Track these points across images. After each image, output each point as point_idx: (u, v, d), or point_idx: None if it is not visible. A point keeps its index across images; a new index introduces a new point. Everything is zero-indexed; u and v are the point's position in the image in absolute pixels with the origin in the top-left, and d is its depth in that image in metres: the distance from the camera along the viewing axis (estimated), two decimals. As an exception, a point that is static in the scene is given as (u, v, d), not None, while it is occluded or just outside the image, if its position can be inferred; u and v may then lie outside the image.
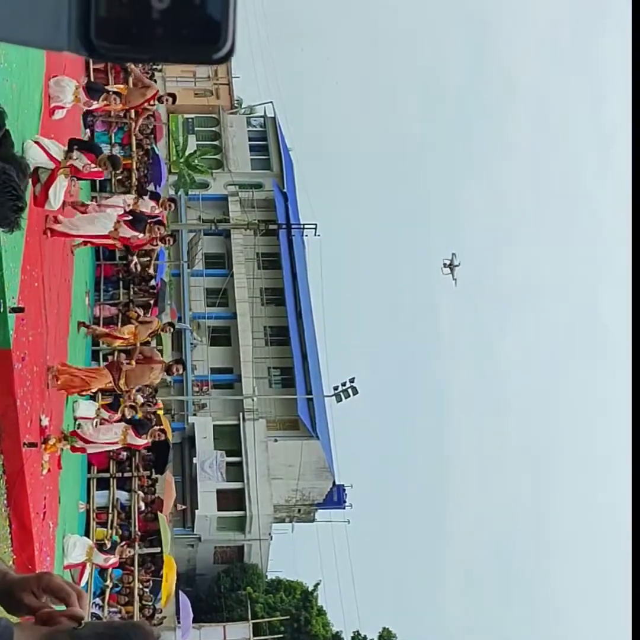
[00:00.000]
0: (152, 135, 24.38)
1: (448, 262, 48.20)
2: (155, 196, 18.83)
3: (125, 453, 20.60)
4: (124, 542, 19.60)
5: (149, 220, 16.43)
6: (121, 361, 13.90)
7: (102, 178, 17.27)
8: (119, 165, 15.11)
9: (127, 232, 15.54)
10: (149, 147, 23.88)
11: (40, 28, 1.00)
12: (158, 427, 17.63)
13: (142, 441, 16.48)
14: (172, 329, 14.91)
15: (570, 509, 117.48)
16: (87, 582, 18.03)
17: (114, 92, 17.92)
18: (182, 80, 52.21)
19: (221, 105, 54.76)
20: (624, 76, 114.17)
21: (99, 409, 16.54)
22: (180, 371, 15.56)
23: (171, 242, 20.50)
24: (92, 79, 19.81)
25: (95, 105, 17.14)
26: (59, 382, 13.20)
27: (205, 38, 1.00)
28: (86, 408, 16.36)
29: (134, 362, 14.56)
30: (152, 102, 20.37)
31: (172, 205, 20.32)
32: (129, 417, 16.66)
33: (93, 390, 15.22)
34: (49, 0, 0.99)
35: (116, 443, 16.33)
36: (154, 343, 19.75)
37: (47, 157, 12.71)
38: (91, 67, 21.52)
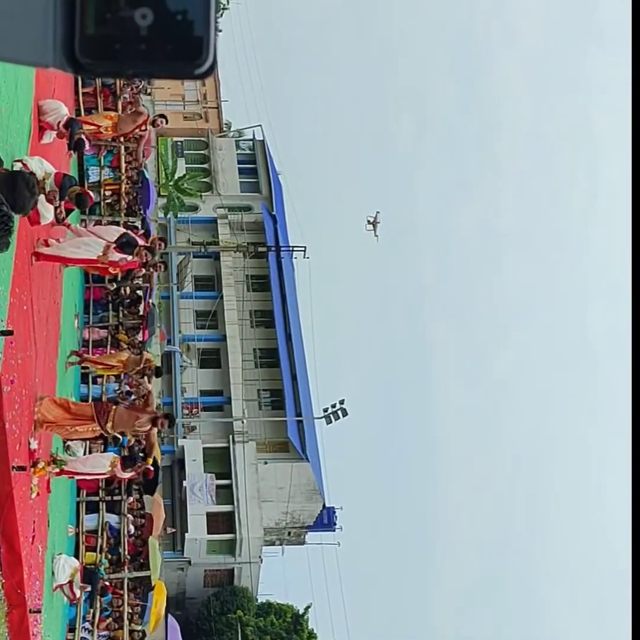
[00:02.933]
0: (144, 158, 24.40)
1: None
2: (145, 234, 18.82)
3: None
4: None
5: (138, 245, 16.47)
6: (109, 406, 13.72)
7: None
8: (84, 205, 14.77)
9: (115, 256, 15.54)
10: (137, 170, 23.91)
11: (27, 45, 1.01)
12: (143, 464, 17.46)
13: (127, 474, 16.51)
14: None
15: (565, 526, 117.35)
16: (76, 603, 17.95)
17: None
18: (171, 104, 52.40)
19: (210, 128, 54.93)
20: (613, 97, 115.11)
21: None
22: (165, 426, 15.35)
23: (162, 269, 20.48)
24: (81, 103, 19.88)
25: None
26: (44, 428, 13.05)
27: (187, 53, 1.03)
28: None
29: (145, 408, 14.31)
30: (143, 128, 20.41)
31: (162, 245, 20.24)
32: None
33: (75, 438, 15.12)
34: (35, 18, 1.00)
35: (104, 474, 16.35)
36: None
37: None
38: (80, 91, 21.59)
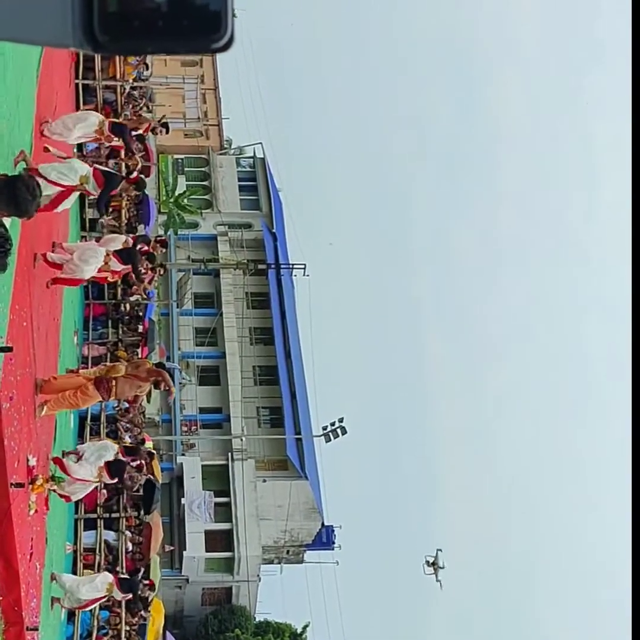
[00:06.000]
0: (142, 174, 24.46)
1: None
2: (144, 239, 18.90)
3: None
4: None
5: (139, 251, 16.61)
6: (110, 380, 13.73)
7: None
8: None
9: (117, 265, 15.62)
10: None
11: (45, 26, 1.03)
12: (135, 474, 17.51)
13: (111, 481, 16.62)
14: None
15: (562, 548, 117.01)
16: (73, 622, 17.92)
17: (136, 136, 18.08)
18: (172, 121, 52.43)
19: (211, 146, 55.08)
20: (613, 115, 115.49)
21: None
22: (164, 386, 15.41)
23: (162, 272, 20.55)
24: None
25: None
26: (47, 406, 13.12)
27: (205, 28, 1.05)
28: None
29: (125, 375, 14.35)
30: (145, 134, 20.58)
31: (163, 249, 20.35)
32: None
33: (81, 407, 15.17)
34: None
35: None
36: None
37: (53, 185, 12.89)
38: (82, 107, 21.66)
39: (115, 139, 16.56)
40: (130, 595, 17.52)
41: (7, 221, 6.22)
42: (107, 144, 17.46)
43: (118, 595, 16.86)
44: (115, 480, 16.42)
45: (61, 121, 14.83)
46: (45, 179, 12.73)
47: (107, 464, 15.38)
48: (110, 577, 16.71)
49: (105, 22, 1.02)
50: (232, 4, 1.05)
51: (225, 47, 1.06)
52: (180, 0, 1.03)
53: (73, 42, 1.04)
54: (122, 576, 17.97)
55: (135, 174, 18.28)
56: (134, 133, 17.25)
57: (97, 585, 16.31)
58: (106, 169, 15.33)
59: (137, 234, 21.92)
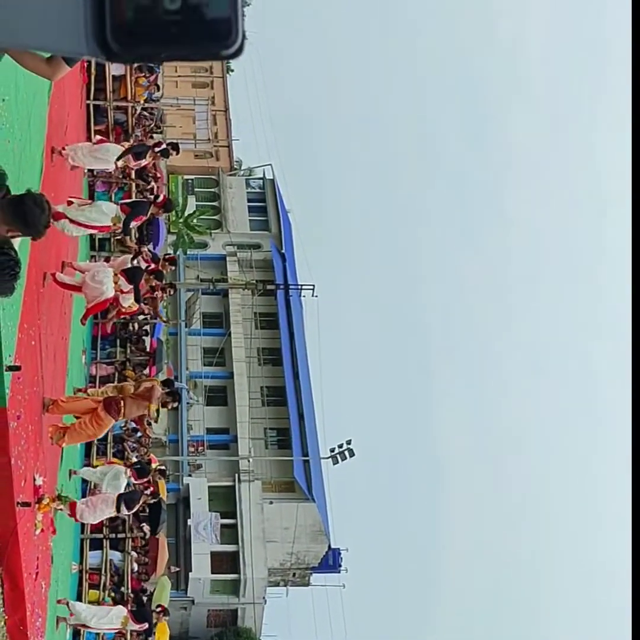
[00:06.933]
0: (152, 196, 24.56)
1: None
2: (154, 258, 18.98)
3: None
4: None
5: (147, 270, 16.69)
6: (119, 402, 13.76)
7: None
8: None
9: (125, 285, 15.68)
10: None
11: (59, 34, 1.05)
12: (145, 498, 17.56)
13: (137, 627, 17.01)
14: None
15: (569, 569, 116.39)
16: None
17: (160, 151, 18.23)
18: (182, 142, 52.61)
19: (221, 166, 55.25)
20: (622, 147, 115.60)
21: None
22: (176, 405, 15.49)
23: (171, 292, 20.62)
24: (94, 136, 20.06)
25: (143, 162, 17.55)
26: (66, 437, 13.20)
27: (216, 35, 1.06)
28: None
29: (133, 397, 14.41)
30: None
31: (172, 267, 20.42)
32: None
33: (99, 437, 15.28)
34: (66, 7, 1.04)
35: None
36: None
37: (92, 229, 13.41)
38: (92, 128, 21.77)
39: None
40: (146, 625, 17.51)
41: (16, 242, 6.22)
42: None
43: (133, 626, 16.87)
44: (131, 512, 16.49)
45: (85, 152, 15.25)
46: (76, 222, 13.11)
47: (123, 499, 15.44)
48: (124, 611, 16.72)
49: (118, 30, 1.04)
50: (243, 11, 1.06)
51: (236, 53, 1.07)
52: (192, 7, 1.04)
53: (87, 50, 1.05)
54: (135, 608, 18.00)
55: (162, 196, 18.43)
56: (143, 162, 17.41)
57: (111, 619, 16.34)
58: (131, 200, 15.83)
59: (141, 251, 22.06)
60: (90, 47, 1.05)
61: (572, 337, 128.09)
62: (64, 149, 15.10)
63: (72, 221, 13.85)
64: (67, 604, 15.41)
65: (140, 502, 16.47)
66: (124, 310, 16.95)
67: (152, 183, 22.65)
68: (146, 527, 21.33)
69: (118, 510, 15.10)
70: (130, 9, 1.04)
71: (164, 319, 24.44)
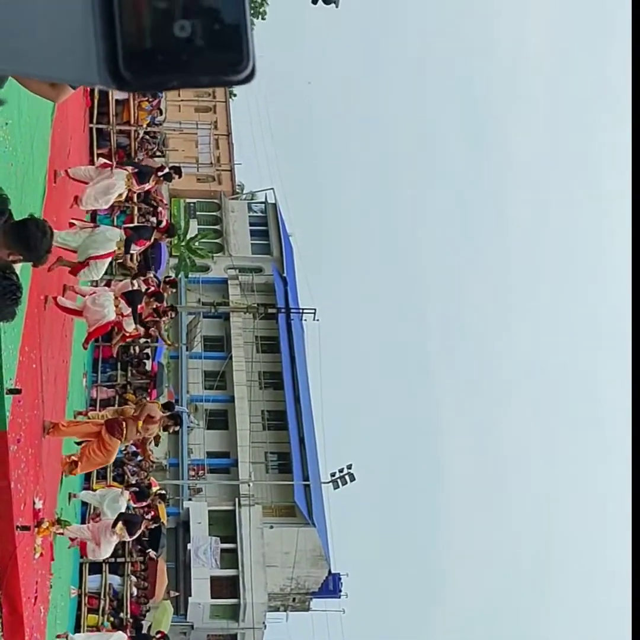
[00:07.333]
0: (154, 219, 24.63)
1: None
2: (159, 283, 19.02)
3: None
4: None
5: (146, 292, 16.74)
6: (121, 423, 13.76)
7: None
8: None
9: (126, 308, 15.70)
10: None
11: (71, 63, 1.05)
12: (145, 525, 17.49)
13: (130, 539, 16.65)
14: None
15: (569, 569, 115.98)
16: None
17: (163, 175, 18.36)
18: (185, 166, 52.77)
19: (223, 190, 55.41)
20: (622, 155, 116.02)
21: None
22: (177, 428, 15.51)
23: (172, 315, 20.63)
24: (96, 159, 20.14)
25: (147, 186, 17.67)
26: (80, 464, 13.25)
27: (228, 61, 1.06)
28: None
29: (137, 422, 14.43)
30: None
31: (173, 289, 20.45)
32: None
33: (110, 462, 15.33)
34: (78, 36, 1.04)
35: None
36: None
37: (96, 258, 13.69)
38: (95, 151, 21.84)
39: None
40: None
41: (17, 267, 6.22)
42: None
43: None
44: (133, 538, 16.43)
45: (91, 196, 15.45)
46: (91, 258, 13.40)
47: (125, 522, 15.38)
48: (124, 637, 16.56)
49: (130, 59, 1.04)
50: (252, 36, 1.06)
51: (248, 79, 1.08)
52: (202, 34, 1.05)
53: (98, 79, 1.05)
54: (134, 634, 17.87)
55: (164, 222, 18.56)
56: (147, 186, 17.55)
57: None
58: (134, 225, 16.08)
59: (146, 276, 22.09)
60: (102, 76, 1.05)
61: (571, 338, 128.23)
62: (77, 200, 15.47)
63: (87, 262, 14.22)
64: (66, 637, 15.26)
65: (142, 526, 16.39)
66: (128, 334, 16.95)
67: (160, 208, 22.79)
68: (153, 553, 21.26)
69: (114, 525, 15.03)
70: (141, 37, 1.04)
71: (168, 342, 24.42)
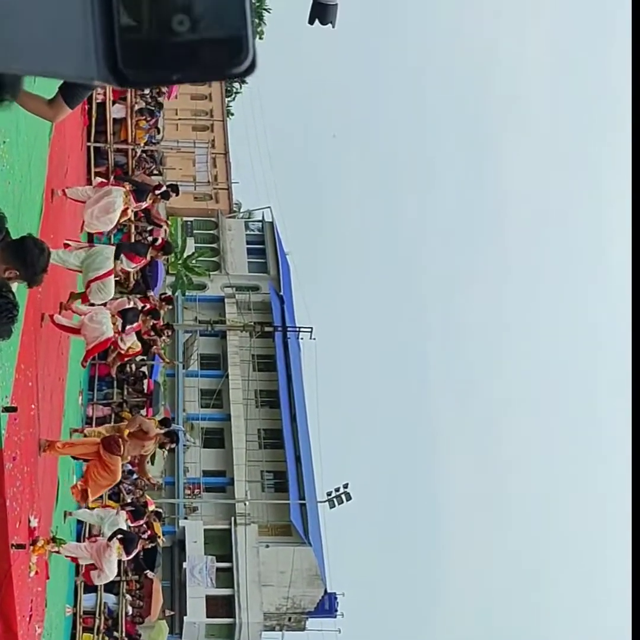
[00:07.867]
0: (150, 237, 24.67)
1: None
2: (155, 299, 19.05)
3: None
4: None
5: (142, 310, 16.78)
6: (117, 439, 13.73)
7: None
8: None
9: (122, 326, 15.77)
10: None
11: (71, 60, 1.05)
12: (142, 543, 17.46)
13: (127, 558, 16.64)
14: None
15: (569, 570, 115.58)
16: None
17: (161, 193, 18.44)
18: (182, 184, 52.87)
19: (220, 209, 55.49)
20: (622, 179, 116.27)
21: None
22: (174, 446, 15.51)
23: (170, 333, 20.63)
24: (93, 178, 20.20)
25: (144, 204, 17.71)
26: (90, 490, 13.25)
27: (228, 54, 1.06)
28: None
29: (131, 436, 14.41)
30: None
31: (169, 306, 20.47)
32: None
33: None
34: (77, 32, 1.04)
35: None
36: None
37: (101, 279, 13.87)
38: (93, 169, 21.89)
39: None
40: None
41: (14, 286, 6.25)
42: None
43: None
44: (129, 557, 16.41)
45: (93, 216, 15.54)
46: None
47: (122, 541, 15.33)
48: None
49: (129, 55, 1.05)
50: (253, 29, 1.07)
51: (248, 71, 1.08)
52: (201, 27, 1.05)
53: (97, 75, 1.06)
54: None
55: (160, 240, 18.59)
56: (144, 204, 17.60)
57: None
58: (131, 242, 16.24)
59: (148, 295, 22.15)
60: (101, 72, 1.05)
61: (571, 339, 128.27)
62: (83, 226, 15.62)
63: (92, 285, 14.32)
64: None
65: (138, 545, 16.36)
66: (124, 352, 16.96)
67: (163, 226, 22.89)
68: (150, 574, 21.19)
69: (110, 538, 14.99)
70: (140, 33, 1.05)
71: (167, 359, 24.42)
